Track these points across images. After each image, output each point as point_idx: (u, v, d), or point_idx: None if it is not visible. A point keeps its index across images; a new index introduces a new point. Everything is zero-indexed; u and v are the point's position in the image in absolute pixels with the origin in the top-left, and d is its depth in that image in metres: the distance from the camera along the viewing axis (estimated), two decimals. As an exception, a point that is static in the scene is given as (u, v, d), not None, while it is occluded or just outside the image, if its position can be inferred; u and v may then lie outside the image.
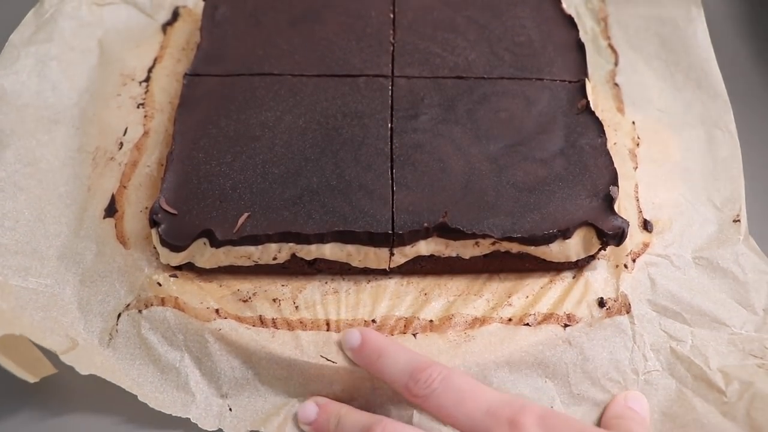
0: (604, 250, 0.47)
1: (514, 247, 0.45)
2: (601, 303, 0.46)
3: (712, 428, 0.41)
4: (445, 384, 0.39)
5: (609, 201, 0.46)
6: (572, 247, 0.45)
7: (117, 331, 0.45)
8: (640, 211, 0.50)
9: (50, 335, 0.44)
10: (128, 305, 0.46)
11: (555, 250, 0.45)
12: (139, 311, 0.45)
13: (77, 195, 0.50)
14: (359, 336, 0.43)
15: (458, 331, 0.45)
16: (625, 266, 0.47)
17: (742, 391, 0.42)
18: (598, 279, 0.47)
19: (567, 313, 0.46)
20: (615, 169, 0.47)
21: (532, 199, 0.46)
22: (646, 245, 0.49)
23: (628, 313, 0.46)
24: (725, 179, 0.52)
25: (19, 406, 0.43)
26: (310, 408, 0.43)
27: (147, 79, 0.57)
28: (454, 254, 0.46)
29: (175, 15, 0.61)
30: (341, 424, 0.42)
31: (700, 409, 0.42)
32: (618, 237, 0.45)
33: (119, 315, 0.45)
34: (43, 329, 0.44)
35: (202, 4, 0.58)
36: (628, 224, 0.45)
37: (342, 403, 0.44)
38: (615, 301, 0.46)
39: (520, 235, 0.44)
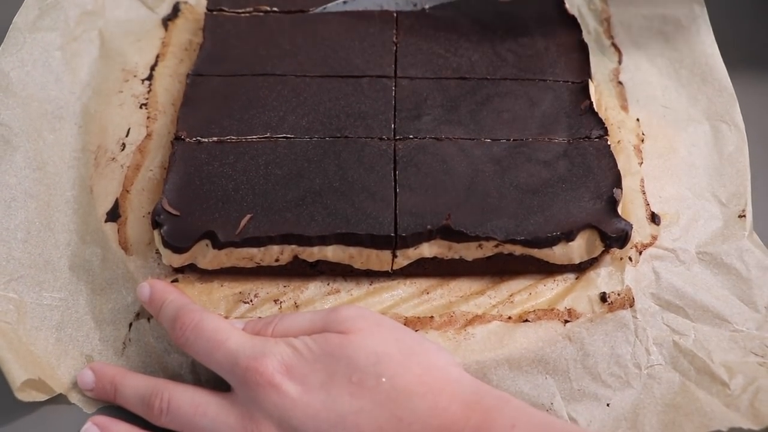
0: (608, 252, 0.47)
1: (518, 250, 0.45)
2: (603, 298, 0.46)
3: (716, 417, 0.41)
4: (196, 333, 0.40)
5: (612, 203, 0.46)
6: (575, 250, 0.45)
7: (130, 340, 0.45)
8: (647, 204, 0.50)
9: (64, 359, 0.45)
10: (137, 314, 0.46)
11: (558, 253, 0.45)
12: (148, 320, 0.45)
13: (83, 199, 0.51)
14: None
15: (458, 329, 0.45)
16: (630, 259, 0.47)
17: (746, 384, 0.42)
18: (602, 272, 0.47)
19: (568, 308, 0.46)
20: (618, 170, 0.47)
21: (535, 201, 0.46)
22: (654, 238, 0.49)
23: (631, 306, 0.46)
24: (731, 174, 0.52)
25: (22, 405, 0.43)
26: (86, 375, 0.43)
27: (149, 77, 0.57)
28: (457, 256, 0.46)
29: (176, 10, 0.61)
30: (119, 391, 0.42)
31: (703, 399, 0.42)
32: (621, 239, 0.45)
33: (131, 324, 0.46)
34: (57, 353, 0.45)
35: (203, 1, 0.58)
36: (631, 227, 0.45)
37: (117, 367, 0.44)
38: (618, 294, 0.46)
39: (523, 238, 0.44)
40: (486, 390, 0.39)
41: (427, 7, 0.57)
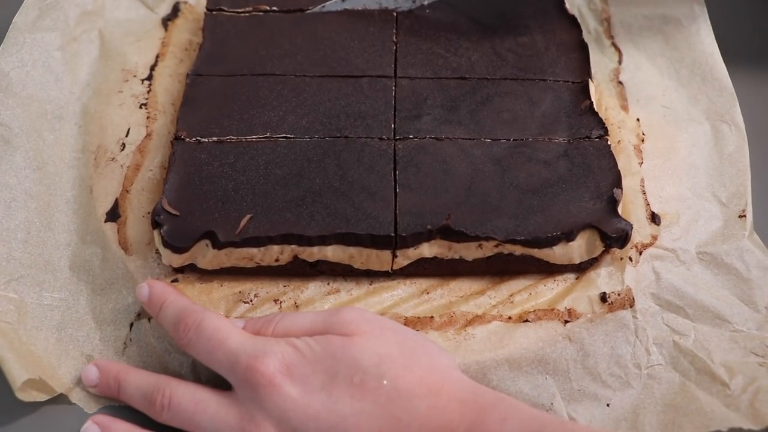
0: (608, 252, 0.47)
1: (518, 250, 0.45)
2: (603, 298, 0.46)
3: (716, 417, 0.41)
4: (198, 333, 0.41)
5: (612, 203, 0.46)
6: (575, 250, 0.45)
7: (130, 340, 0.46)
8: (648, 204, 0.50)
9: (65, 359, 0.45)
10: (138, 314, 0.46)
11: (558, 253, 0.45)
12: (149, 320, 0.45)
13: (83, 199, 0.51)
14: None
15: (458, 329, 0.45)
16: (630, 259, 0.47)
17: (746, 384, 0.42)
18: (602, 272, 0.47)
19: (568, 308, 0.46)
20: (618, 171, 0.47)
21: (535, 201, 0.46)
22: (654, 238, 0.49)
23: (631, 306, 0.46)
24: (731, 174, 0.52)
25: (22, 405, 0.43)
26: (90, 371, 0.43)
27: (149, 77, 0.57)
28: (457, 257, 0.46)
29: (176, 10, 0.61)
30: (123, 387, 0.42)
31: (703, 399, 0.42)
32: (622, 240, 0.45)
33: (131, 324, 0.46)
34: (58, 353, 0.45)
35: (203, 1, 0.58)
36: (631, 227, 0.45)
37: (121, 364, 0.44)
38: (618, 295, 0.46)
39: (523, 238, 0.44)
40: (483, 390, 0.39)
41: (426, 1, 0.57)
